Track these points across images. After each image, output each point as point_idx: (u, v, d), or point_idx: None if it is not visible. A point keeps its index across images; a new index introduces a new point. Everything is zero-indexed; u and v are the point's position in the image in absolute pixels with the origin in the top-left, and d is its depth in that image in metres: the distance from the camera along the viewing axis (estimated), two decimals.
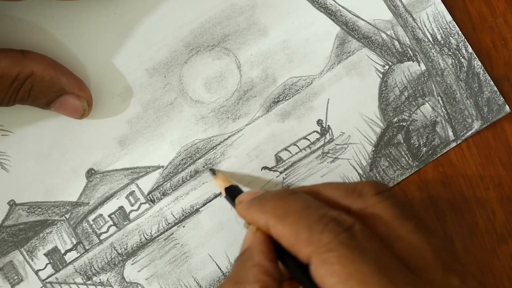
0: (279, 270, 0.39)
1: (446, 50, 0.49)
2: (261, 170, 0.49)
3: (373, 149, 0.49)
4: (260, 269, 0.39)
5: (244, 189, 0.49)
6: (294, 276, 0.39)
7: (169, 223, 0.49)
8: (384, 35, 0.49)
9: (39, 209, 0.49)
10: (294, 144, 0.50)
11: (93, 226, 0.49)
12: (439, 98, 0.50)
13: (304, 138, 0.50)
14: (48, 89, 0.46)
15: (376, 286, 0.35)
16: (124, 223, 0.49)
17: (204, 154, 0.49)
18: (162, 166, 0.49)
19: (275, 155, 0.49)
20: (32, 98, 0.45)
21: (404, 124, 0.50)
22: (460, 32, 0.49)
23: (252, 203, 0.41)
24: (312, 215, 0.38)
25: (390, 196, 0.40)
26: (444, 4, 0.49)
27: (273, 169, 0.49)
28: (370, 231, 0.38)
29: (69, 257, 0.49)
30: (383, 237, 0.38)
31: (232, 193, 0.46)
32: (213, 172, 0.49)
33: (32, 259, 0.49)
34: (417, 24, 0.49)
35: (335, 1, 0.49)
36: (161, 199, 0.49)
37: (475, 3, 0.50)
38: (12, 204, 0.48)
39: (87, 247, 0.49)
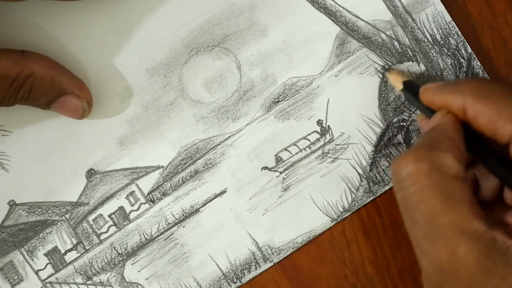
0: (467, 154, 0.40)
1: (446, 50, 0.49)
2: (261, 170, 0.49)
3: (373, 149, 0.50)
4: (453, 142, 0.40)
5: (246, 188, 0.49)
6: (484, 161, 0.41)
7: (169, 223, 0.49)
8: (383, 36, 0.49)
9: (39, 209, 0.48)
10: (294, 144, 0.50)
11: (93, 226, 0.49)
12: None
13: (304, 138, 0.50)
14: (48, 89, 0.46)
15: None
16: (124, 223, 0.49)
17: (204, 154, 0.49)
18: (162, 166, 0.49)
19: (275, 155, 0.50)
20: (32, 98, 0.45)
21: (404, 124, 0.50)
22: (459, 32, 0.49)
23: (445, 85, 0.42)
24: None
25: None
26: (444, 5, 0.49)
27: (273, 169, 0.49)
28: None
29: (69, 257, 0.49)
30: None
31: (410, 88, 0.46)
32: (386, 70, 0.49)
33: (32, 259, 0.49)
34: (416, 24, 0.49)
35: (335, 2, 0.49)
36: (161, 199, 0.49)
37: (475, 3, 0.50)
38: (12, 204, 0.48)
39: (87, 247, 0.49)
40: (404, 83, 0.47)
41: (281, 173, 0.49)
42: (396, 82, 0.47)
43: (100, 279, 0.49)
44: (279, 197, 0.49)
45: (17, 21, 0.47)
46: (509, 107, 0.38)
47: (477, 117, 0.40)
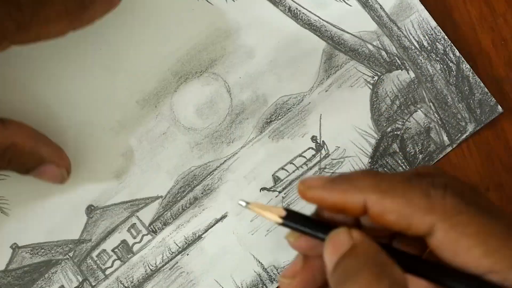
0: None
1: (434, 56, 0.49)
2: (260, 191, 0.49)
3: (369, 160, 0.50)
4: (386, 253, 0.36)
5: (246, 211, 0.49)
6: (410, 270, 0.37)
7: (173, 252, 0.49)
8: (370, 46, 0.49)
9: (42, 250, 0.49)
10: (291, 162, 0.50)
11: (98, 262, 0.49)
12: (430, 104, 0.50)
13: (300, 155, 0.50)
14: (27, 159, 0.45)
15: None
16: (128, 256, 0.49)
17: (201, 181, 0.49)
18: (161, 196, 0.49)
19: (272, 175, 0.50)
20: (11, 167, 0.45)
21: (398, 133, 0.50)
22: (446, 37, 0.49)
23: (336, 182, 0.38)
24: (422, 184, 0.36)
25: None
26: (443, 5, 0.49)
27: (272, 189, 0.49)
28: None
29: None
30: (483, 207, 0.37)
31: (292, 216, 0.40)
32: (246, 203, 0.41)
33: None
34: (402, 32, 0.49)
35: (319, 17, 0.49)
36: (163, 229, 0.49)
37: (475, 3, 0.50)
38: (15, 248, 0.48)
39: (93, 284, 0.49)
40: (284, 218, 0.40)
41: (280, 192, 0.49)
42: (274, 219, 0.40)
43: None
44: None
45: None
46: (419, 199, 0.36)
47: (385, 213, 0.36)
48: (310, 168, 0.49)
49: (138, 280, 0.49)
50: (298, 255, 0.42)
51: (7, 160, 0.45)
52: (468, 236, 0.35)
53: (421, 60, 0.49)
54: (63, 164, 0.47)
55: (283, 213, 0.39)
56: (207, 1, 0.49)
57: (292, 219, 0.39)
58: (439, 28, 0.49)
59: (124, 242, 0.49)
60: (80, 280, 0.49)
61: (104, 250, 0.49)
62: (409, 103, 0.50)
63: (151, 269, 0.49)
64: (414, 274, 0.37)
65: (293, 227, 0.39)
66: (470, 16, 0.50)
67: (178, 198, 0.49)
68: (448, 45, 0.49)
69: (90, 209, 0.49)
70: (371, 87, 0.50)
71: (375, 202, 0.36)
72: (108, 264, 0.49)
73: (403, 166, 0.50)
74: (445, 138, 0.50)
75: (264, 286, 0.49)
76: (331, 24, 0.49)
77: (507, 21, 0.50)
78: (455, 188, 0.37)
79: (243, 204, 0.40)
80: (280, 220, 0.39)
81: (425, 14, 0.49)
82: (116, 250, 0.49)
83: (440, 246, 0.36)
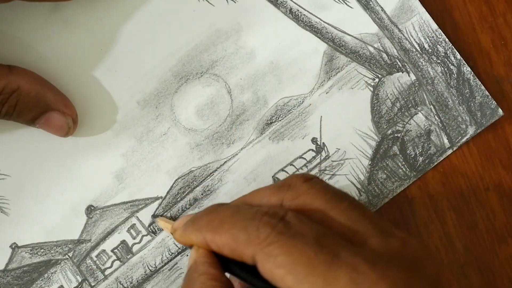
0: (227, 278, 0.39)
1: (435, 58, 0.49)
2: None
3: (369, 162, 0.50)
4: (207, 276, 0.39)
5: None
6: (245, 281, 0.39)
7: (172, 253, 0.49)
8: (371, 48, 0.49)
9: (42, 250, 0.49)
10: (291, 164, 0.50)
11: (97, 262, 0.49)
12: (431, 106, 0.50)
13: (300, 157, 0.50)
14: (33, 105, 0.45)
15: (323, 265, 0.35)
16: (128, 257, 0.49)
17: (201, 182, 0.49)
18: (161, 197, 0.49)
19: (272, 176, 0.50)
20: (17, 113, 0.45)
21: (399, 135, 0.50)
22: (447, 39, 0.49)
23: (186, 226, 0.41)
24: (245, 216, 0.38)
25: (319, 182, 0.40)
26: (444, 5, 0.49)
27: None
28: (304, 216, 0.38)
29: None
30: (319, 221, 0.38)
31: None
32: (155, 217, 0.49)
33: None
34: (403, 35, 0.49)
35: (320, 19, 0.49)
36: (163, 230, 0.49)
37: (475, 3, 0.50)
38: (15, 247, 0.48)
39: (92, 284, 0.49)
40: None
41: None
42: (168, 228, 0.47)
43: None
44: None
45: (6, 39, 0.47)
46: (240, 232, 0.37)
47: (220, 249, 0.39)
48: (310, 170, 0.49)
49: (137, 281, 0.49)
50: None
51: (13, 105, 0.45)
52: (279, 266, 0.36)
53: (422, 63, 0.49)
54: (69, 112, 0.47)
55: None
56: (208, 2, 0.49)
57: None
58: (440, 30, 0.49)
59: (123, 242, 0.49)
60: (80, 280, 0.49)
61: (104, 251, 0.49)
62: (410, 105, 0.50)
63: (150, 270, 0.49)
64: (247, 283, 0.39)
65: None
66: (470, 16, 0.50)
67: (178, 199, 0.49)
68: (449, 48, 0.49)
69: (90, 210, 0.49)
70: (371, 89, 0.50)
71: (210, 241, 0.39)
72: (108, 264, 0.49)
73: (403, 169, 0.50)
74: (446, 141, 0.50)
75: None
76: (332, 26, 0.49)
77: (507, 21, 0.50)
78: (295, 203, 0.39)
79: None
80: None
81: (426, 16, 0.49)
82: (115, 250, 0.49)
83: (264, 275, 0.37)
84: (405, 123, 0.50)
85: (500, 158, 0.51)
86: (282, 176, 0.49)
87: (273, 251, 0.36)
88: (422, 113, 0.50)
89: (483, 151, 0.51)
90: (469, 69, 0.49)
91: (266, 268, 0.36)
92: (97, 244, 0.49)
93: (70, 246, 0.49)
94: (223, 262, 0.39)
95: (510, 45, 0.50)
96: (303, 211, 0.39)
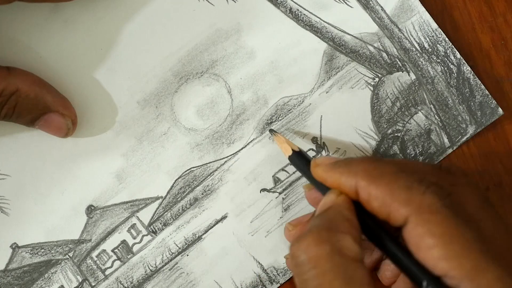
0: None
1: (435, 58, 0.49)
2: (260, 192, 0.49)
3: None
4: (351, 224, 0.39)
5: (246, 211, 0.49)
6: (375, 240, 0.40)
7: (172, 253, 0.49)
8: (371, 48, 0.49)
9: (42, 250, 0.49)
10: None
11: (97, 262, 0.49)
12: (431, 106, 0.50)
13: None
14: (32, 107, 0.46)
15: (477, 253, 0.36)
16: (128, 257, 0.49)
17: (201, 181, 0.49)
18: (161, 197, 0.49)
19: (272, 176, 0.50)
20: (16, 115, 0.45)
21: (399, 134, 0.50)
22: (447, 39, 0.49)
23: (337, 165, 0.41)
24: (410, 177, 0.38)
25: (474, 182, 0.42)
26: (444, 4, 0.49)
27: (272, 190, 0.49)
28: (464, 205, 0.38)
29: None
30: (469, 214, 0.38)
31: (299, 157, 0.45)
32: (273, 132, 0.48)
33: None
34: (403, 34, 0.49)
35: (320, 18, 0.49)
36: (163, 229, 0.49)
37: (475, 3, 0.50)
38: (15, 247, 0.48)
39: (93, 284, 0.49)
40: (294, 152, 0.46)
41: (280, 193, 0.49)
42: (285, 150, 0.46)
43: None
44: (280, 217, 0.49)
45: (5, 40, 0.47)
46: (401, 190, 0.38)
47: (370, 199, 0.39)
48: None
49: (137, 281, 0.49)
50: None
51: (12, 107, 0.45)
52: (433, 235, 0.36)
53: (422, 62, 0.49)
54: (69, 113, 0.47)
55: (296, 149, 0.46)
56: (209, 2, 0.49)
57: (300, 158, 0.45)
58: (440, 30, 0.49)
59: (124, 242, 0.49)
60: (80, 280, 0.49)
61: (104, 250, 0.49)
62: (410, 105, 0.50)
63: (151, 270, 0.49)
64: (377, 245, 0.40)
65: (300, 165, 0.45)
66: (470, 16, 0.50)
67: (178, 199, 0.49)
68: (449, 47, 0.49)
69: (90, 209, 0.49)
70: (371, 88, 0.49)
71: (363, 188, 0.39)
72: (108, 264, 0.49)
73: None
74: (446, 140, 0.50)
75: (264, 287, 0.49)
76: (332, 26, 0.49)
77: (507, 21, 0.50)
78: (454, 190, 0.39)
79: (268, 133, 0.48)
80: (290, 153, 0.46)
81: (426, 16, 0.49)
82: (116, 250, 0.49)
83: (408, 238, 0.37)
84: (405, 122, 0.49)
85: (500, 158, 0.51)
86: (282, 175, 0.49)
87: (433, 219, 0.36)
88: (422, 112, 0.50)
89: (483, 150, 0.51)
90: (469, 68, 0.49)
91: (416, 232, 0.37)
92: (98, 244, 0.49)
93: (70, 246, 0.49)
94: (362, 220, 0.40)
95: (510, 45, 0.50)
96: (458, 197, 0.39)
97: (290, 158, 0.46)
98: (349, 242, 0.37)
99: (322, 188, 0.42)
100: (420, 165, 0.41)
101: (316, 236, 0.37)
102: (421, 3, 0.49)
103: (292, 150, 0.45)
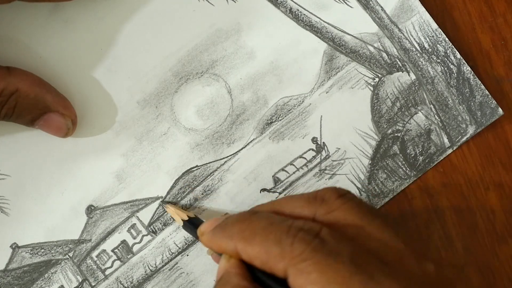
0: None
1: (435, 58, 0.49)
2: (260, 192, 0.49)
3: (370, 162, 0.50)
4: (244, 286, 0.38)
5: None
6: None
7: (172, 253, 0.49)
8: (371, 48, 0.49)
9: (42, 250, 0.49)
10: (291, 163, 0.50)
11: (97, 262, 0.49)
12: (431, 106, 0.50)
13: (300, 157, 0.50)
14: (32, 107, 0.46)
15: (358, 285, 0.35)
16: (128, 257, 0.49)
17: (201, 181, 0.49)
18: (161, 197, 0.49)
19: (272, 176, 0.50)
20: (16, 115, 0.45)
21: (399, 134, 0.50)
22: (447, 39, 0.49)
23: (215, 231, 0.41)
24: (279, 229, 0.38)
25: (352, 198, 0.40)
26: (444, 4, 0.49)
27: (272, 191, 0.49)
28: (339, 233, 0.38)
29: None
30: (352, 237, 0.38)
31: (192, 224, 0.46)
32: (164, 205, 0.49)
33: None
34: (403, 34, 0.49)
35: (320, 18, 0.49)
36: (163, 229, 0.49)
37: (475, 3, 0.50)
38: (15, 247, 0.48)
39: (93, 284, 0.49)
40: (185, 222, 0.46)
41: (280, 193, 0.49)
42: (177, 220, 0.47)
43: None
44: None
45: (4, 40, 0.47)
46: (273, 246, 0.37)
47: (251, 259, 0.39)
48: (311, 170, 0.49)
49: (137, 281, 0.49)
50: None
51: (12, 107, 0.45)
52: (312, 283, 0.36)
53: (422, 62, 0.49)
54: (69, 113, 0.47)
55: (186, 217, 0.46)
56: (208, 2, 0.49)
57: (191, 226, 0.46)
58: (440, 30, 0.49)
59: (124, 242, 0.49)
60: (80, 280, 0.49)
61: (104, 250, 0.49)
62: (410, 105, 0.50)
63: (151, 270, 0.49)
64: None
65: (191, 233, 0.46)
66: (470, 16, 0.50)
67: (178, 199, 0.49)
68: (449, 47, 0.49)
69: (90, 209, 0.49)
70: (371, 88, 0.50)
71: (241, 250, 0.39)
72: (108, 264, 0.49)
73: (404, 168, 0.50)
74: (446, 140, 0.50)
75: None
76: (332, 26, 0.49)
77: (507, 21, 0.50)
78: (329, 218, 0.39)
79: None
80: (181, 223, 0.47)
81: (426, 16, 0.49)
82: (116, 250, 0.49)
83: None
84: (405, 122, 0.50)
85: (500, 158, 0.51)
86: (282, 175, 0.49)
87: (307, 268, 0.36)
88: (422, 112, 0.50)
89: (483, 150, 0.51)
90: (469, 68, 0.49)
91: (297, 283, 0.36)
92: (98, 244, 0.49)
93: (70, 246, 0.49)
94: (253, 272, 0.39)
95: (510, 45, 0.51)
96: (336, 226, 0.38)
97: (183, 227, 0.47)
98: None
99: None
100: (293, 205, 0.41)
101: None
102: (421, 3, 0.49)
103: (182, 219, 0.47)
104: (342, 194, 0.40)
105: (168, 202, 0.49)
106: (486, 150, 0.51)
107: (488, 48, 0.50)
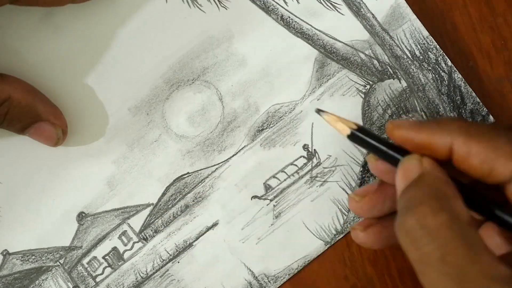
0: None
1: (426, 65, 0.49)
2: (251, 199, 0.49)
3: (361, 169, 0.50)
4: (454, 187, 0.37)
5: (237, 219, 0.49)
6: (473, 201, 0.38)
7: (163, 260, 0.49)
8: (362, 55, 0.49)
9: (33, 257, 0.49)
10: (282, 170, 0.50)
11: (88, 269, 0.49)
12: (422, 113, 0.50)
13: (292, 164, 0.50)
14: (24, 115, 0.46)
15: None
16: (119, 264, 0.49)
17: (193, 188, 0.49)
18: (152, 204, 0.49)
19: (263, 183, 0.50)
20: (7, 122, 0.45)
21: (390, 141, 0.49)
22: (438, 46, 0.49)
23: (425, 124, 0.39)
24: (511, 134, 0.37)
25: None
26: (443, 5, 0.49)
27: (263, 198, 0.49)
28: None
29: None
30: None
31: (363, 134, 0.41)
32: (321, 113, 0.43)
33: None
34: (394, 41, 0.49)
35: (311, 25, 0.49)
36: (154, 236, 0.49)
37: (475, 3, 0.50)
38: (6, 254, 0.48)
39: None
40: (353, 130, 0.42)
41: (271, 200, 0.49)
42: (341, 126, 0.42)
43: None
44: (271, 224, 0.49)
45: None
46: (505, 145, 0.37)
47: (470, 157, 0.37)
48: (302, 177, 0.49)
49: None
50: (376, 179, 0.43)
51: (3, 114, 0.45)
52: None
53: (413, 70, 0.49)
54: (59, 123, 0.47)
55: (354, 126, 0.41)
56: (200, 9, 0.49)
57: (364, 134, 0.41)
58: (431, 37, 0.49)
59: (115, 249, 0.49)
60: (71, 287, 0.49)
61: (95, 257, 0.49)
62: (401, 112, 0.50)
63: (141, 277, 0.49)
64: (481, 214, 0.38)
65: (364, 141, 0.41)
66: (470, 16, 0.50)
67: (169, 206, 0.49)
68: (440, 55, 0.49)
69: (81, 216, 0.49)
70: (363, 96, 0.50)
71: (461, 145, 0.37)
72: (99, 271, 0.49)
73: None
74: None
75: None
76: (323, 33, 0.49)
77: (507, 21, 0.50)
78: None
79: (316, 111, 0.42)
80: (349, 132, 0.41)
81: (418, 23, 0.49)
82: (107, 257, 0.49)
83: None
84: None
85: None
86: (273, 182, 0.49)
87: None
88: (413, 119, 0.50)
89: None
90: (460, 76, 0.49)
91: None
92: (88, 251, 0.49)
93: (61, 252, 0.49)
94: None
95: (510, 45, 0.50)
96: None
97: (350, 137, 0.42)
98: (461, 206, 0.36)
99: (392, 158, 0.40)
100: None
101: (429, 206, 0.35)
102: (421, 3, 0.49)
103: (350, 128, 0.42)
104: None
105: (323, 111, 0.42)
106: None
107: (488, 48, 0.50)
